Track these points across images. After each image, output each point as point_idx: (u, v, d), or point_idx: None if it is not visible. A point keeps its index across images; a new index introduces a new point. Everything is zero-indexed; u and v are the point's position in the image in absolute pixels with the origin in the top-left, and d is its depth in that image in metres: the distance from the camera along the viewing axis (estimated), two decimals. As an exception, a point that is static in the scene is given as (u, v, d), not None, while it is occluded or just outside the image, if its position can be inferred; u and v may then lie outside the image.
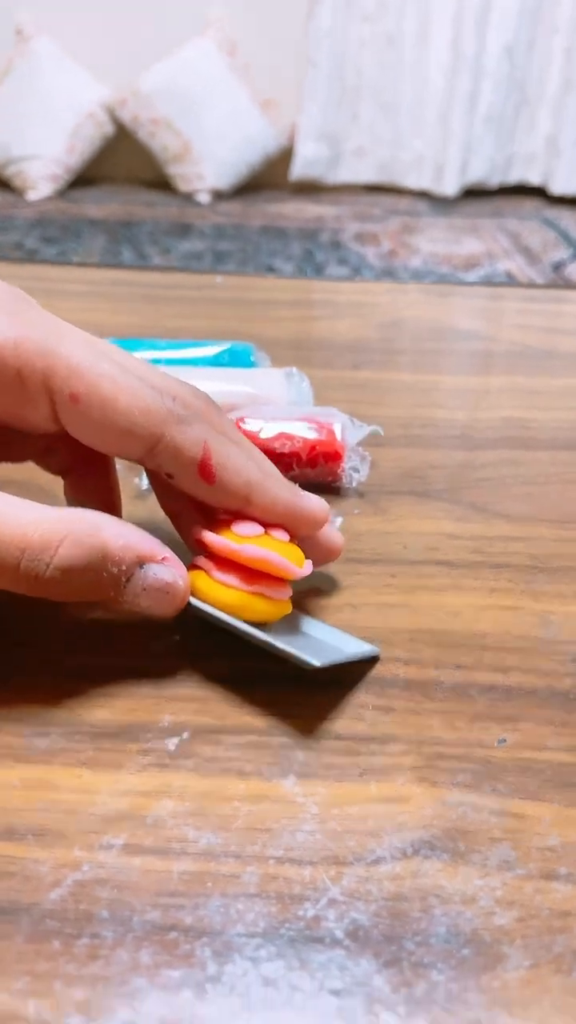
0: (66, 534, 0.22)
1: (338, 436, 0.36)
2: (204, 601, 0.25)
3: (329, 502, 0.35)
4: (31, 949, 0.18)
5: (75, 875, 0.20)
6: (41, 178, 2.62)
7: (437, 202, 2.82)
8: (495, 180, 2.80)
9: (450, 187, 2.73)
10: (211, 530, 0.26)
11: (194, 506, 0.27)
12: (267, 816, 0.21)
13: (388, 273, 2.23)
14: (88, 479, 0.28)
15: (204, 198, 2.75)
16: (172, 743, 0.23)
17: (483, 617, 0.29)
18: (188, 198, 2.74)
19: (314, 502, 0.26)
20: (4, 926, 0.19)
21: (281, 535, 0.26)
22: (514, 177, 2.84)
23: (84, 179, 2.80)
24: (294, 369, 0.41)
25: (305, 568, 0.25)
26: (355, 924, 0.19)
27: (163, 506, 0.28)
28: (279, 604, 0.25)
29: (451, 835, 0.21)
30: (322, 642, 0.26)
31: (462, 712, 0.25)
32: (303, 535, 0.27)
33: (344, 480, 0.36)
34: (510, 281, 2.02)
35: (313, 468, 0.36)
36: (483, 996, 0.18)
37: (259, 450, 0.27)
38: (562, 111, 2.65)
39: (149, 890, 0.20)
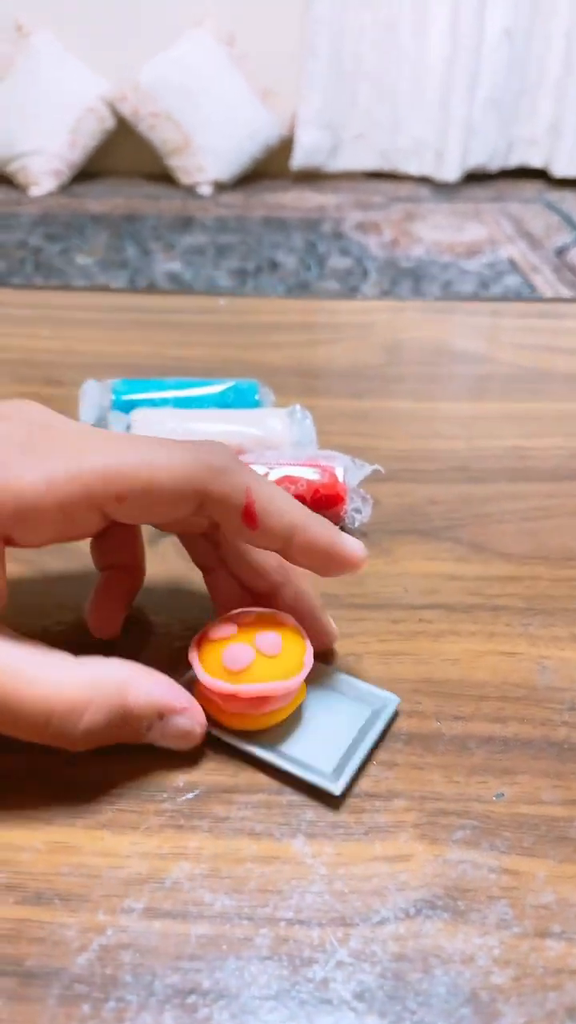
0: (89, 700, 0.23)
1: (340, 479, 0.37)
2: (221, 726, 0.26)
3: (333, 544, 0.36)
4: (63, 1012, 0.20)
5: (100, 939, 0.21)
6: (44, 173, 2.62)
7: (439, 187, 2.80)
8: (496, 164, 2.79)
9: (451, 172, 2.71)
10: (199, 647, 0.26)
11: (223, 565, 0.29)
12: (278, 878, 0.23)
13: (391, 264, 2.23)
14: (115, 538, 0.29)
15: (206, 190, 2.74)
16: (185, 802, 0.25)
17: (481, 664, 0.30)
18: (190, 190, 2.74)
19: (351, 545, 0.27)
20: (37, 990, 0.20)
21: (270, 639, 0.26)
22: (515, 160, 2.82)
23: (86, 174, 2.80)
24: (297, 407, 0.42)
25: (301, 674, 0.26)
26: (361, 986, 0.20)
27: (194, 560, 0.29)
28: (292, 703, 0.26)
29: (451, 894, 0.23)
30: (343, 716, 0.27)
31: (461, 765, 0.26)
32: (337, 575, 0.27)
33: (347, 521, 0.37)
34: (507, 297, 2.01)
35: (316, 511, 0.37)
36: (481, 1054, 0.19)
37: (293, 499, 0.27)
38: (564, 93, 2.63)
39: (169, 953, 0.21)
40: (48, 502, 0.23)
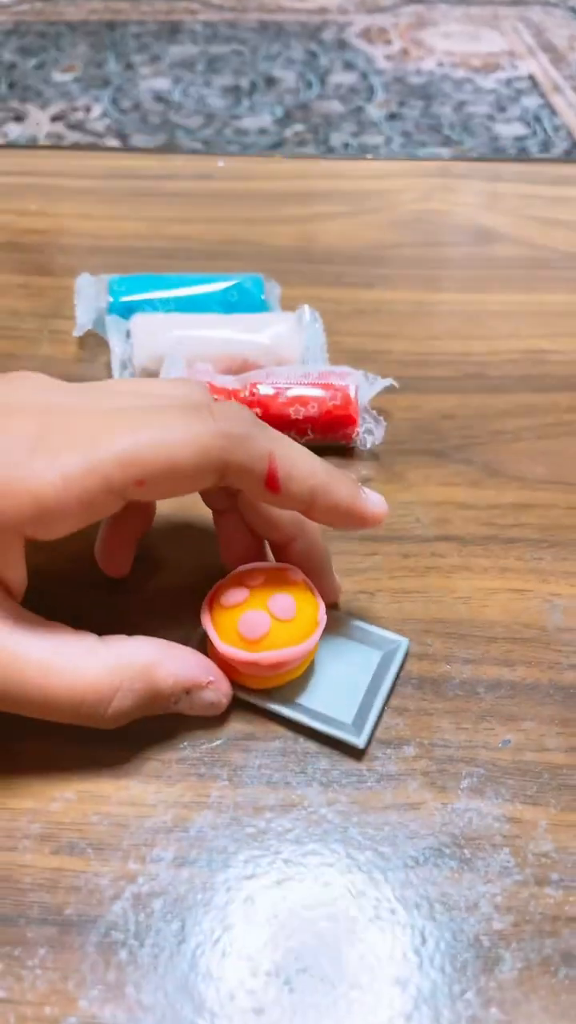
0: (117, 686, 0.23)
1: (352, 398, 0.36)
2: (243, 686, 0.27)
3: (343, 465, 0.36)
4: (102, 959, 0.22)
5: (132, 887, 0.23)
6: (12, -30, 2.34)
7: (454, -14, 2.52)
8: (520, -42, 2.49)
9: (469, -33, 2.43)
10: (211, 612, 0.26)
11: (236, 510, 0.28)
12: (295, 827, 0.24)
13: (399, 80, 2.05)
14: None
15: (194, -12, 2.46)
16: (206, 750, 0.26)
17: (491, 602, 0.31)
18: (176, -12, 2.46)
19: (373, 504, 0.27)
20: (76, 937, 0.22)
21: (284, 603, 0.26)
22: (541, -47, 2.52)
23: (59, -32, 2.50)
24: (306, 308, 0.40)
25: (316, 633, 0.26)
26: (372, 931, 0.22)
27: (206, 502, 0.29)
28: (307, 659, 0.27)
29: (457, 842, 0.24)
30: (356, 663, 0.28)
31: (469, 711, 0.27)
32: (358, 529, 0.27)
33: (358, 443, 0.36)
34: (541, 157, 1.85)
35: (328, 433, 0.36)
36: (480, 997, 0.21)
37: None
38: None
39: (197, 901, 0.23)
40: (67, 498, 0.22)
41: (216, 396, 0.35)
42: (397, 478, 0.35)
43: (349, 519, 0.26)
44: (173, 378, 0.34)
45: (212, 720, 0.26)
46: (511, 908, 0.23)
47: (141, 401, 0.25)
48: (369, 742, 0.26)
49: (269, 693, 0.27)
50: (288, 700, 0.27)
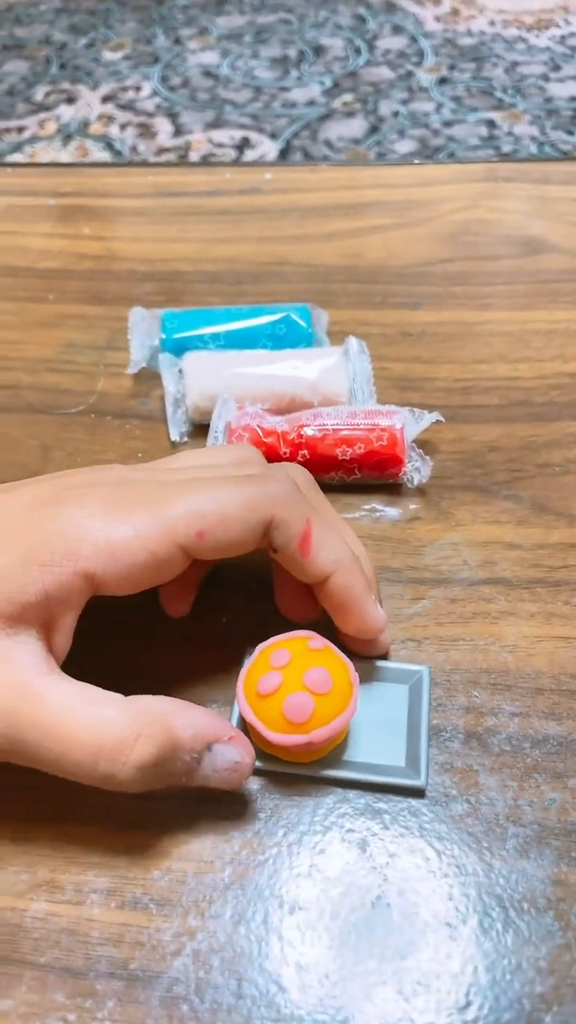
0: (139, 733, 0.24)
1: (398, 438, 0.36)
2: (292, 763, 0.27)
3: (390, 501, 0.37)
4: (165, 1014, 0.23)
5: (192, 944, 0.25)
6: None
7: None
8: None
9: None
10: (247, 696, 0.27)
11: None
12: (348, 888, 0.25)
13: (449, 43, 1.99)
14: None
15: (239, -46, 2.42)
16: (261, 806, 0.27)
17: (538, 651, 0.31)
18: (221, -44, 2.42)
19: (373, 615, 0.28)
20: (142, 992, 0.24)
21: (319, 677, 0.26)
22: None
23: None
24: (352, 340, 0.41)
25: (356, 696, 0.27)
26: (424, 989, 0.23)
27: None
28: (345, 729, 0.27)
29: (501, 902, 0.25)
30: (386, 702, 0.29)
31: (516, 769, 0.28)
32: (352, 632, 0.29)
33: (405, 481, 0.37)
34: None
35: (375, 472, 0.36)
36: (525, 1061, 0.22)
37: (350, 531, 0.30)
38: None
39: (254, 956, 0.24)
40: (136, 547, 0.25)
41: (268, 438, 0.36)
42: (444, 516, 0.36)
43: (353, 608, 0.28)
44: (228, 445, 0.35)
45: (268, 777, 0.28)
46: (553, 971, 0.24)
47: (202, 473, 0.28)
48: (427, 778, 0.27)
49: (319, 762, 0.27)
50: (336, 761, 0.28)
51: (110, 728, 0.24)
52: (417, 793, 0.27)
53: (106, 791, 0.26)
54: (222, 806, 0.27)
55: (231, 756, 0.26)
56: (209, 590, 0.33)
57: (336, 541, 0.28)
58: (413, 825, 0.27)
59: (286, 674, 0.26)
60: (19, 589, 0.25)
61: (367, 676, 0.30)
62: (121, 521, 0.26)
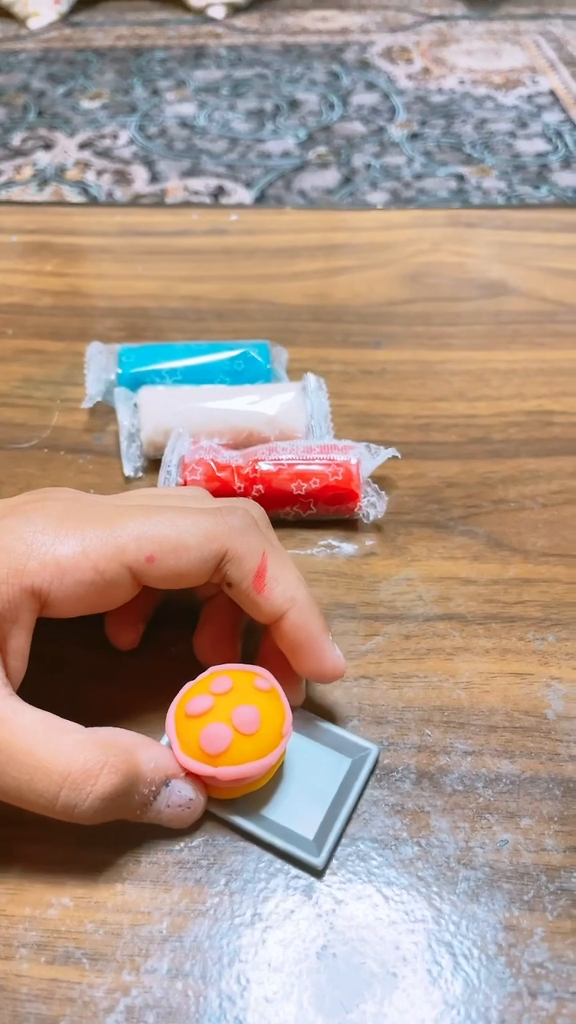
0: (104, 762, 0.23)
1: (354, 474, 0.36)
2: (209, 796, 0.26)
3: (346, 537, 0.36)
4: (94, 1075, 0.22)
5: (126, 1000, 0.23)
6: (43, 3, 2.39)
7: (475, 3, 2.52)
8: (543, -30, 2.48)
9: (491, -19, 2.43)
10: (176, 721, 0.26)
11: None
12: (293, 938, 0.24)
13: (420, 100, 2.05)
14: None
15: (218, 12, 2.49)
16: (204, 852, 0.26)
17: (492, 687, 0.30)
18: (200, 14, 2.49)
19: (337, 652, 0.27)
20: (70, 1052, 0.22)
21: (248, 716, 0.25)
22: (565, -35, 2.50)
23: (87, 0, 2.55)
24: (310, 378, 0.40)
25: (279, 748, 0.25)
26: (365, 1052, 0.22)
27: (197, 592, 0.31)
28: (270, 771, 0.26)
29: (450, 949, 0.24)
30: (323, 769, 0.28)
31: (468, 809, 0.27)
32: (307, 675, 0.28)
33: (361, 516, 0.36)
34: (559, 201, 1.84)
35: (330, 507, 0.36)
36: None
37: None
38: None
39: (190, 1014, 0.23)
40: (85, 565, 0.25)
41: (222, 472, 0.36)
42: (400, 551, 0.35)
43: (309, 648, 0.27)
44: (180, 487, 0.34)
45: (210, 821, 0.27)
46: (504, 1020, 0.23)
47: (157, 501, 0.28)
48: (329, 860, 0.26)
49: (234, 803, 0.26)
50: (251, 810, 0.26)
51: (77, 756, 0.23)
52: (314, 872, 0.26)
53: (39, 839, 0.25)
54: (163, 853, 0.26)
55: (186, 793, 0.25)
56: (157, 624, 0.32)
57: (292, 578, 0.27)
58: (361, 870, 0.26)
59: (218, 702, 0.25)
60: None
61: (317, 736, 0.28)
62: (70, 536, 0.25)
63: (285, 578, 0.26)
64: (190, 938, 0.24)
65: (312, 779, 0.27)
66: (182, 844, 0.26)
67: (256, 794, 0.27)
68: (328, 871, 0.26)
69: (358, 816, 0.27)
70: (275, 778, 0.27)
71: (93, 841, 0.26)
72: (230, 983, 0.24)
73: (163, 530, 0.25)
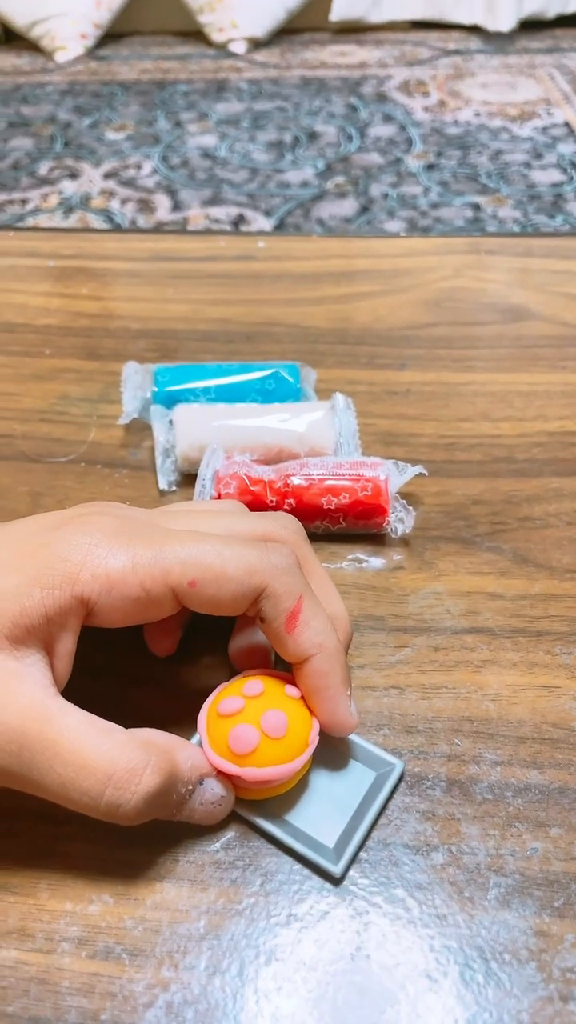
0: (148, 762, 0.24)
1: (383, 489, 0.37)
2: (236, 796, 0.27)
3: (374, 551, 0.37)
4: (134, 1068, 0.23)
5: (165, 995, 0.24)
6: (70, 37, 2.45)
7: (490, 37, 2.57)
8: (553, 10, 2.53)
9: (504, 21, 2.48)
10: (208, 719, 0.27)
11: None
12: (327, 939, 0.25)
13: (436, 132, 2.09)
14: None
15: (239, 47, 2.56)
16: (240, 853, 0.27)
17: (520, 699, 0.31)
18: (223, 48, 2.55)
19: (343, 713, 0.27)
20: (111, 1045, 0.23)
21: (276, 721, 0.26)
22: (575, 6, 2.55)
23: (113, 35, 2.62)
24: (339, 397, 0.42)
25: (305, 755, 0.26)
26: (400, 1050, 0.23)
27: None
28: (295, 777, 0.27)
29: (482, 953, 0.24)
30: (348, 781, 0.28)
31: (498, 817, 0.27)
32: (319, 720, 0.28)
33: (389, 531, 0.37)
34: (562, 200, 1.86)
35: (359, 522, 0.37)
36: None
37: (334, 589, 0.30)
38: None
39: (228, 1010, 0.23)
40: (133, 580, 0.25)
41: (255, 486, 0.37)
42: (427, 566, 0.36)
43: (326, 698, 0.27)
44: (219, 499, 0.35)
45: (242, 825, 0.27)
46: (537, 1026, 0.23)
47: (198, 520, 0.29)
48: (348, 869, 0.26)
49: (259, 805, 0.27)
50: (276, 814, 0.27)
51: (121, 756, 0.24)
52: (332, 880, 0.26)
53: (81, 837, 0.26)
54: (200, 854, 0.27)
55: (218, 791, 0.26)
56: (193, 631, 0.33)
57: (323, 625, 0.27)
58: (393, 875, 0.26)
59: (249, 704, 0.26)
60: (23, 611, 0.25)
61: (344, 748, 0.29)
62: (122, 552, 0.26)
63: (317, 624, 0.27)
64: (227, 936, 0.25)
65: (336, 789, 0.28)
66: (218, 845, 0.27)
67: (281, 799, 0.27)
68: (361, 874, 0.26)
69: (389, 822, 0.27)
70: (300, 785, 0.28)
71: (132, 840, 0.27)
72: (267, 981, 0.24)
73: (208, 559, 0.26)
